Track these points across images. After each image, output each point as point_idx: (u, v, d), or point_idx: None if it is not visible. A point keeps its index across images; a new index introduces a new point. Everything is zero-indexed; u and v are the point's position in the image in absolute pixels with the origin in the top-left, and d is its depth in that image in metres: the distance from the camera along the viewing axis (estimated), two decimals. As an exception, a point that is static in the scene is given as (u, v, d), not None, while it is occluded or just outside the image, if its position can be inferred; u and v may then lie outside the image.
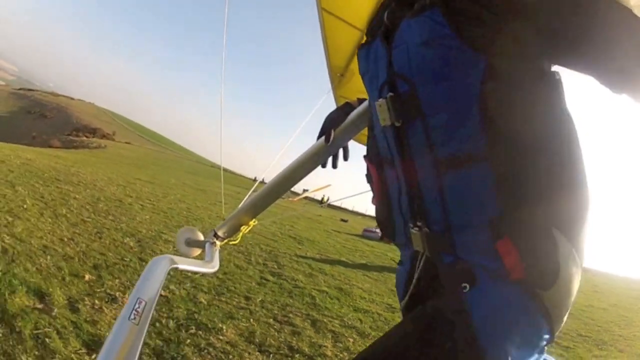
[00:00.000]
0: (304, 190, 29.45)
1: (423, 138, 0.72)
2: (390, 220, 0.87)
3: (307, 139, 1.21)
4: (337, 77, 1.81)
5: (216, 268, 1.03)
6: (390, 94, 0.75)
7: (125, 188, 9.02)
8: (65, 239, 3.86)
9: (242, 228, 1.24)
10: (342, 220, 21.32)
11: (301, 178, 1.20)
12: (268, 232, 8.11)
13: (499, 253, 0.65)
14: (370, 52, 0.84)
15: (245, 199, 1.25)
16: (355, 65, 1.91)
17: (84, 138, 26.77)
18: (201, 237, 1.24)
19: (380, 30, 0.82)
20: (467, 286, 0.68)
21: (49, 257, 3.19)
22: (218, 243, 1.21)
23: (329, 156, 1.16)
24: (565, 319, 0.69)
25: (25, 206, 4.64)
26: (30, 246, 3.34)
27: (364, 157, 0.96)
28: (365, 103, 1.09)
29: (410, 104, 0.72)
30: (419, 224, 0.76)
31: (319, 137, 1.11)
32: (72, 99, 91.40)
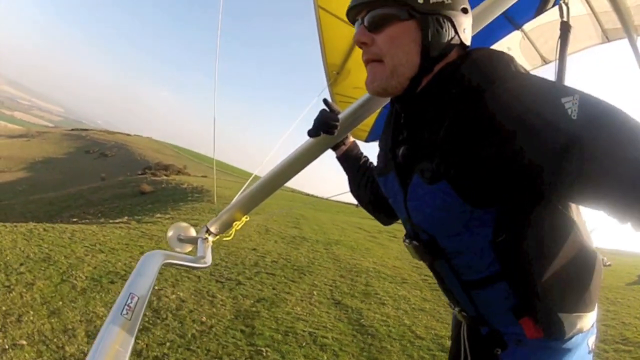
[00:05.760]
0: None
1: (449, 270, 0.86)
2: None
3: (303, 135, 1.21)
4: (334, 75, 1.81)
5: (208, 264, 1.03)
6: (415, 242, 0.88)
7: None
8: None
9: (234, 224, 1.24)
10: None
11: (295, 174, 1.20)
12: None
13: (521, 326, 0.81)
14: (387, 184, 0.93)
15: (238, 194, 1.25)
16: (351, 63, 1.91)
17: (164, 177, 23.55)
18: (193, 233, 1.24)
19: (393, 162, 0.89)
20: (500, 350, 0.85)
21: None
22: (210, 239, 1.21)
23: (324, 151, 1.17)
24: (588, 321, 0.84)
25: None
26: None
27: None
28: (364, 96, 1.10)
29: (433, 249, 0.85)
30: (457, 308, 0.95)
31: (314, 134, 1.11)
32: (128, 135, 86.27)
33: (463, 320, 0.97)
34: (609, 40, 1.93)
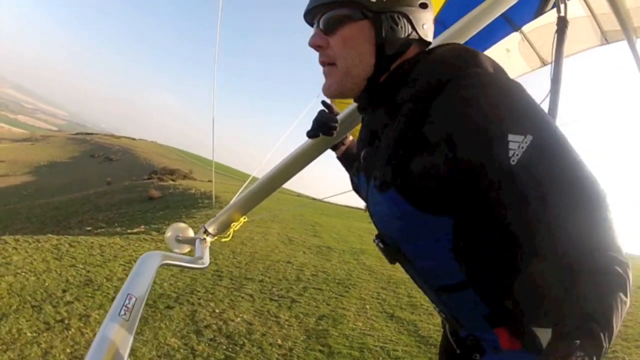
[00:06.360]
0: None
1: (416, 274, 0.85)
2: None
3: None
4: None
5: (207, 264, 1.04)
6: (381, 245, 0.85)
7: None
8: None
9: (232, 225, 1.24)
10: None
11: (294, 174, 1.20)
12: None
13: (496, 335, 0.76)
14: (360, 184, 0.91)
15: (237, 195, 1.26)
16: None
17: (171, 182, 22.85)
18: (192, 234, 1.24)
19: (361, 164, 0.86)
20: (478, 355, 0.81)
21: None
22: (208, 239, 1.22)
23: (323, 152, 1.17)
24: None
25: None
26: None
27: None
28: None
29: (398, 254, 0.82)
30: (437, 309, 0.91)
31: (313, 135, 1.10)
32: (133, 139, 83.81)
33: (445, 321, 0.93)
34: (608, 42, 1.93)
